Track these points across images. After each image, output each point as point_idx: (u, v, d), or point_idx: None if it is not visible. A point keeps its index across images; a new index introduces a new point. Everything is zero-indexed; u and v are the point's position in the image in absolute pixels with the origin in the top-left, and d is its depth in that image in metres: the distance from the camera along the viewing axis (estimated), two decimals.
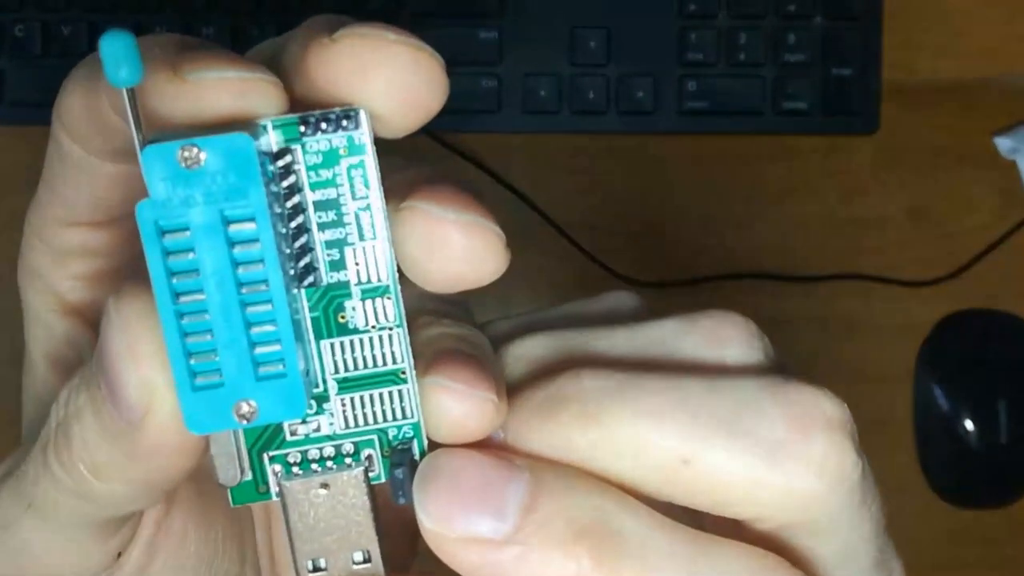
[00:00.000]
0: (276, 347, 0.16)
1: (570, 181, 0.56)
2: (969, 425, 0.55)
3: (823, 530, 0.18)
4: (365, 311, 0.17)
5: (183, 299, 0.16)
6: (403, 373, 0.18)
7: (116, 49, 0.15)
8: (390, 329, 0.17)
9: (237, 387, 0.16)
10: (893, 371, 0.56)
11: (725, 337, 0.19)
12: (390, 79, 0.16)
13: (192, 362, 0.16)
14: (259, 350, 0.16)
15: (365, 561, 0.18)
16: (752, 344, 0.19)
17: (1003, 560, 0.56)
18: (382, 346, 0.17)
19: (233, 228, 0.16)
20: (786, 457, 0.17)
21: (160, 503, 0.21)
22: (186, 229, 0.16)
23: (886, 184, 0.57)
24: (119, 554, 0.21)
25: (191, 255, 0.16)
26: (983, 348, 0.56)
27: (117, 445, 0.17)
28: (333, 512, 0.18)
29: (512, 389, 0.18)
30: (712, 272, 0.56)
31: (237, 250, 0.16)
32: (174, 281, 0.16)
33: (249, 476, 0.18)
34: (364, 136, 0.17)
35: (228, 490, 0.18)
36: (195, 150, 0.16)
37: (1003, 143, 0.56)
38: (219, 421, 0.16)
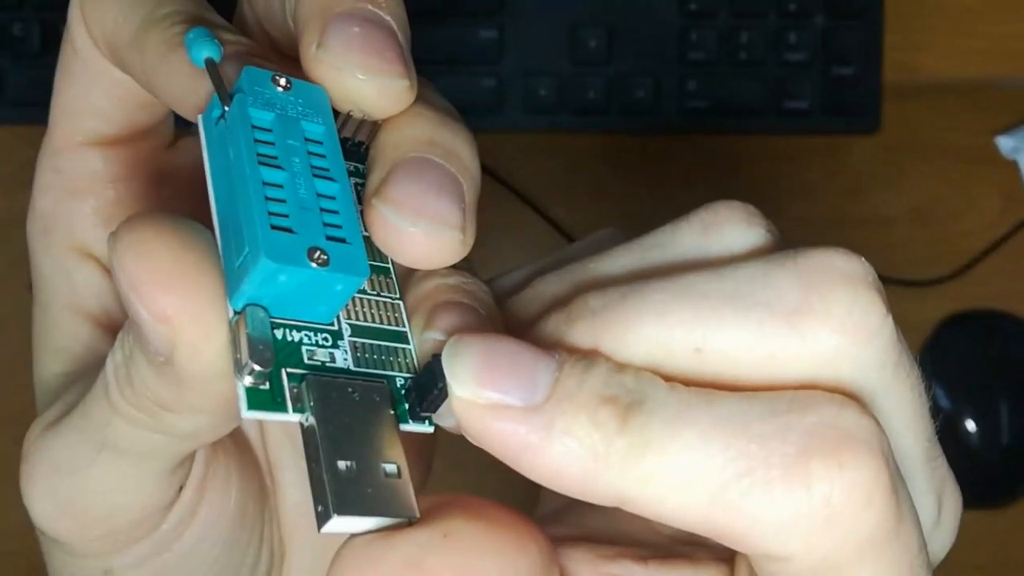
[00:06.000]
0: (340, 227, 0.18)
1: (570, 180, 0.56)
2: (971, 425, 0.55)
3: (866, 397, 0.17)
4: (372, 280, 0.19)
5: (267, 168, 0.17)
6: (405, 336, 0.19)
7: (199, 41, 0.18)
8: (393, 300, 0.19)
9: (310, 238, 0.17)
10: None
11: (722, 223, 0.19)
12: (363, 85, 0.19)
13: (270, 215, 0.17)
14: (327, 224, 0.18)
15: (394, 475, 0.17)
16: (752, 223, 0.19)
17: (1006, 561, 0.56)
18: (387, 311, 0.19)
19: (310, 143, 0.18)
20: (803, 320, 0.17)
21: (208, 445, 0.22)
22: (268, 128, 0.18)
23: (887, 184, 0.57)
24: (180, 488, 0.21)
25: (275, 147, 0.18)
26: (985, 348, 0.56)
27: (167, 379, 0.18)
28: (361, 420, 0.18)
29: (530, 325, 0.19)
30: None
31: (312, 157, 0.18)
32: (264, 161, 0.17)
33: (267, 386, 0.17)
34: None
35: (243, 394, 0.17)
36: (285, 80, 0.18)
37: (1004, 143, 0.56)
38: (295, 259, 0.17)
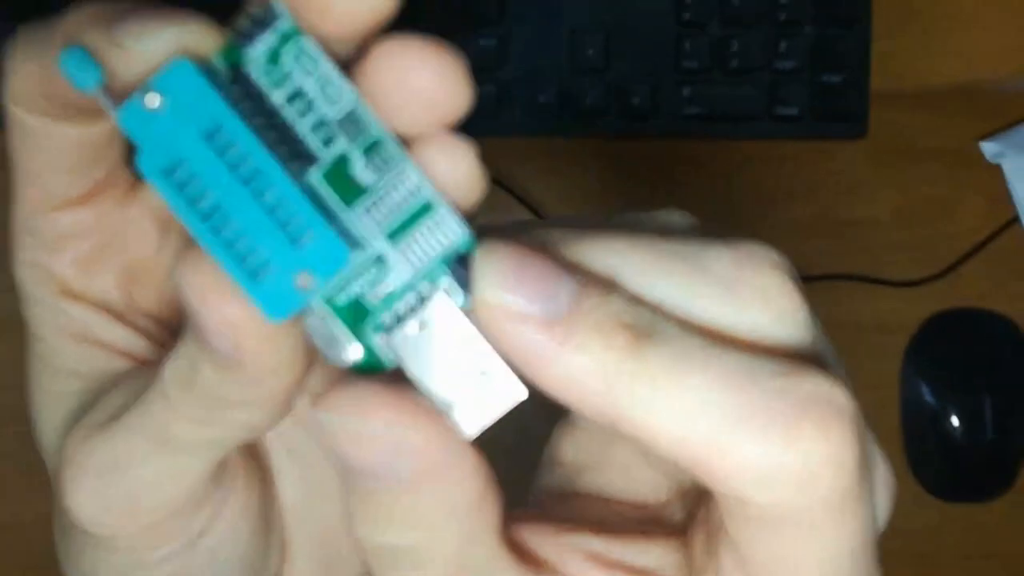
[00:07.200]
0: (299, 218, 0.18)
1: (569, 185, 0.57)
2: (955, 421, 0.55)
3: None
4: (372, 166, 0.18)
5: (211, 218, 0.18)
6: (430, 205, 0.19)
7: (75, 63, 0.17)
8: (399, 168, 0.18)
9: (288, 265, 0.18)
10: (881, 369, 0.56)
11: (672, 223, 0.20)
12: None
13: (247, 264, 0.18)
14: (289, 228, 0.18)
15: (488, 373, 0.18)
16: (690, 217, 0.20)
17: (990, 553, 0.57)
18: (401, 187, 0.19)
19: (214, 140, 0.17)
20: (736, 287, 0.18)
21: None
22: (182, 160, 0.17)
23: (875, 187, 0.57)
24: (214, 485, 0.22)
25: (197, 180, 0.18)
26: (969, 346, 0.57)
27: (232, 380, 0.19)
28: (442, 346, 0.18)
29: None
30: None
31: (227, 156, 0.18)
32: (197, 207, 0.18)
33: (362, 353, 0.19)
34: (288, 23, 0.18)
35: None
36: (151, 94, 0.17)
37: (988, 147, 0.57)
38: (292, 300, 0.18)
